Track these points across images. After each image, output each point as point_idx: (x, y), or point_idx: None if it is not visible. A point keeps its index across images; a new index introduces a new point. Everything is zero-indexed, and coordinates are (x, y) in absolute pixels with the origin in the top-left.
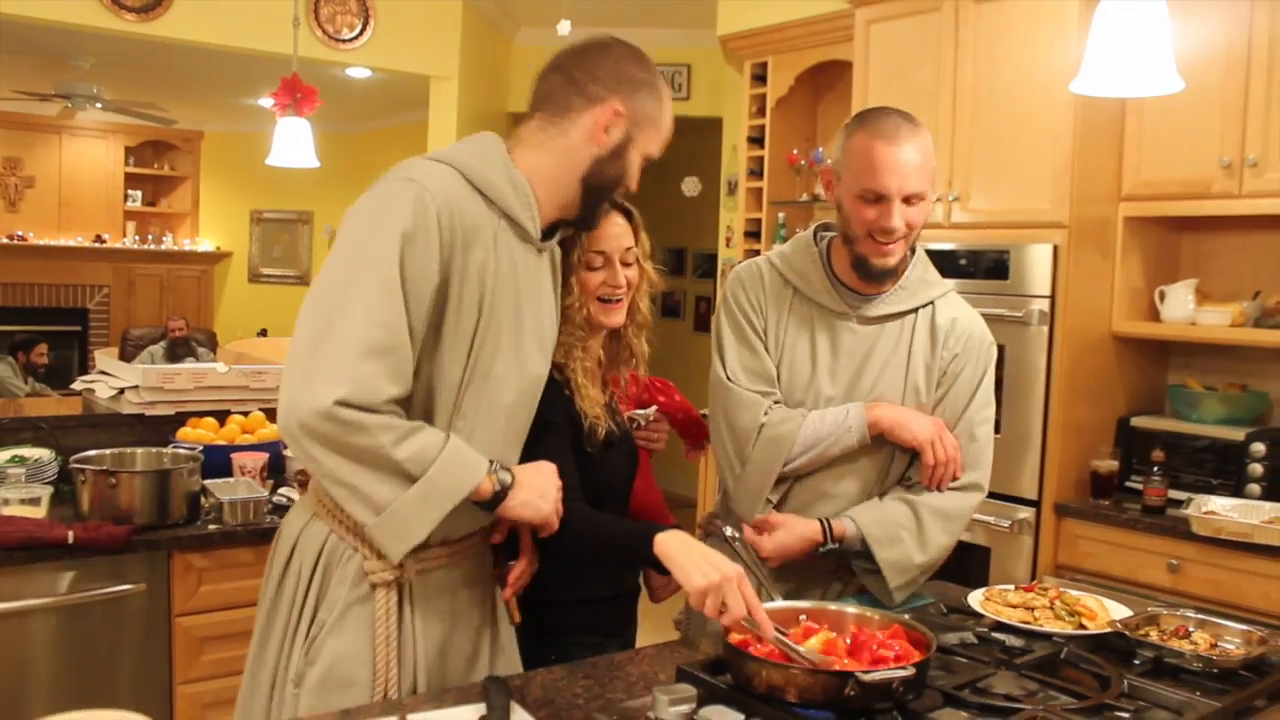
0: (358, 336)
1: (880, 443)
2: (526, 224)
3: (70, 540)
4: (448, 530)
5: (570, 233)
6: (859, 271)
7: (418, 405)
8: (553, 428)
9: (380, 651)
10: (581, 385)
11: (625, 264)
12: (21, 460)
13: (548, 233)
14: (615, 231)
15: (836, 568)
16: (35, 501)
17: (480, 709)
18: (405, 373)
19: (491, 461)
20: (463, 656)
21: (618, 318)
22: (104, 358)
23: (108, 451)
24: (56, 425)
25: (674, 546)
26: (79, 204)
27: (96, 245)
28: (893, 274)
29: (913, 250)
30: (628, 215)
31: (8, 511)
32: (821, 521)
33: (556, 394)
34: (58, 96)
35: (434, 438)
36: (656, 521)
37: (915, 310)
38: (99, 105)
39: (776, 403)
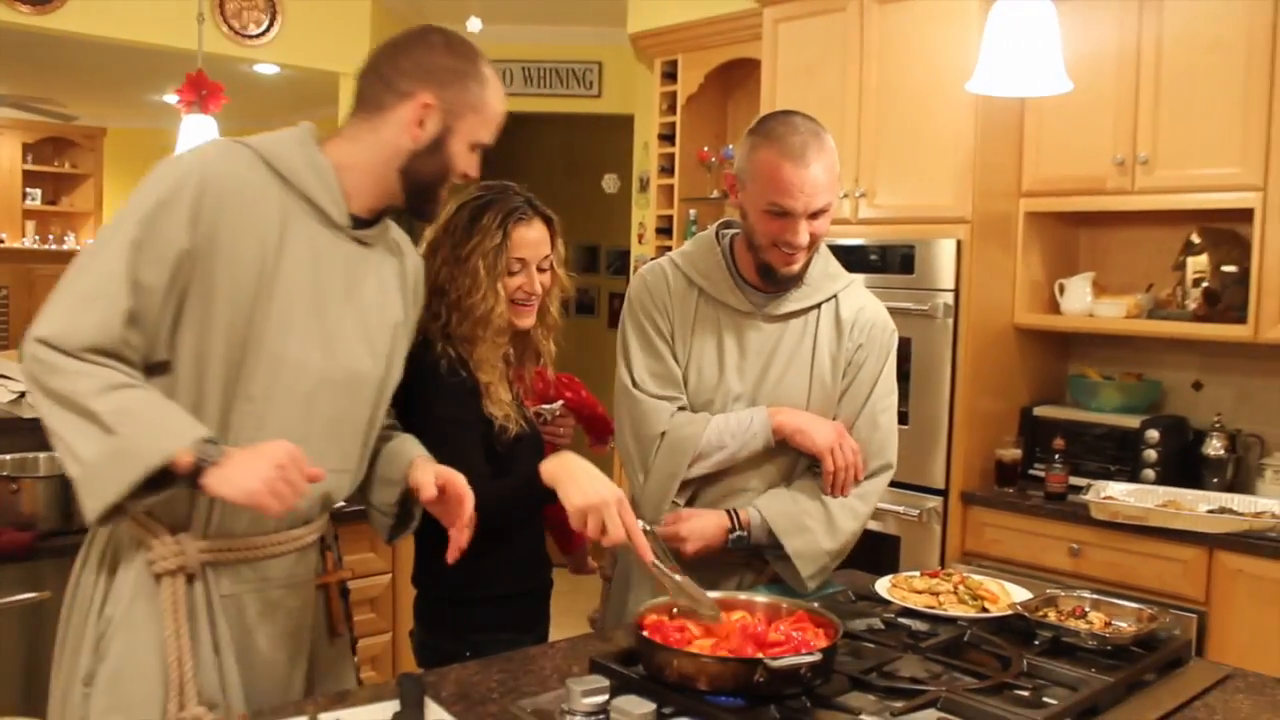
0: (77, 283)
1: (786, 444)
2: (328, 206)
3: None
4: (245, 523)
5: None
6: (764, 277)
7: (186, 378)
8: (461, 424)
9: (170, 648)
10: (491, 386)
11: (541, 269)
12: None
13: (366, 222)
14: (535, 238)
15: (749, 559)
16: None
17: (394, 706)
18: (112, 324)
19: (214, 440)
20: (277, 667)
21: (529, 320)
22: (3, 361)
23: (8, 456)
24: None
25: (558, 467)
26: None
27: None
28: (796, 279)
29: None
30: (548, 222)
31: None
32: (728, 511)
33: (465, 394)
34: None
35: (143, 397)
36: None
37: (819, 305)
38: None
39: (681, 408)
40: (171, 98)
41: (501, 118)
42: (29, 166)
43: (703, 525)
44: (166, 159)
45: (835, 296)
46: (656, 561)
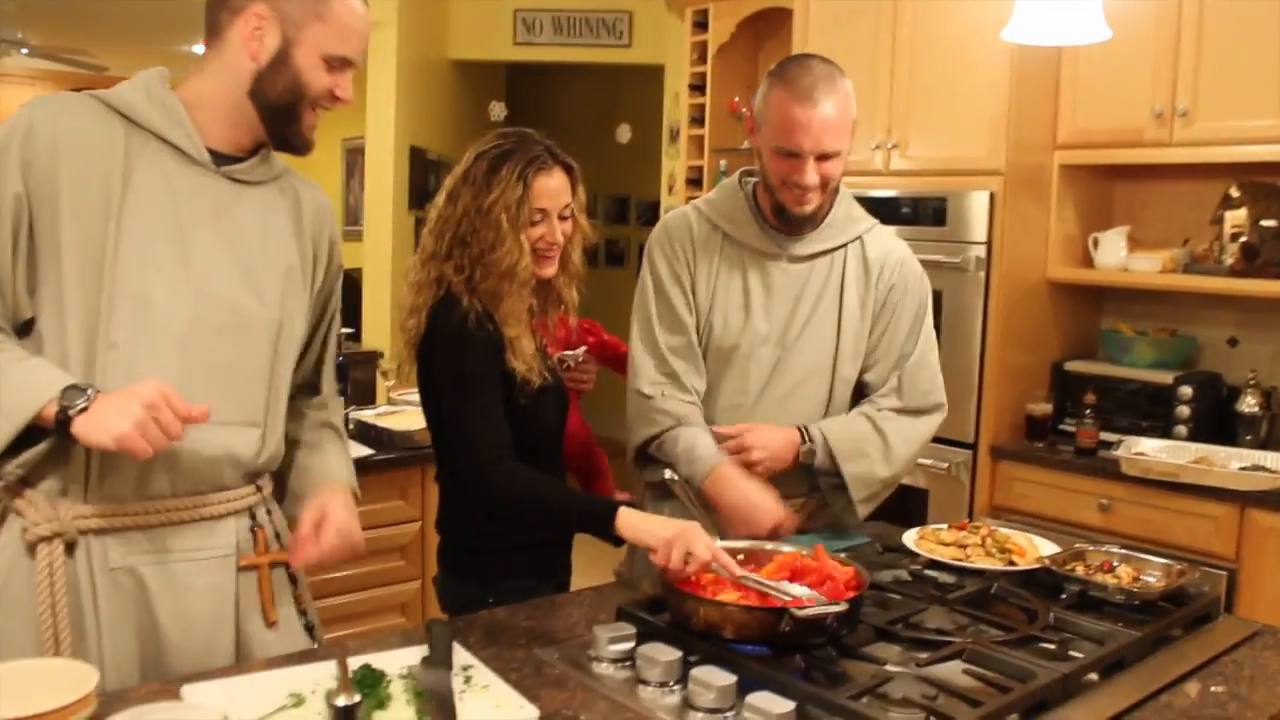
0: None
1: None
2: (181, 142)
3: None
4: (131, 484)
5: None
6: (778, 217)
7: (49, 331)
8: (485, 381)
9: (44, 623)
10: (516, 339)
11: (562, 218)
12: None
13: (238, 159)
14: (556, 187)
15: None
16: None
17: (423, 650)
18: None
19: (79, 387)
20: (188, 652)
21: (551, 269)
22: None
23: None
24: None
25: (635, 520)
26: None
27: None
28: (811, 220)
29: (835, 188)
30: (568, 170)
31: None
32: (799, 428)
33: (491, 349)
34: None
35: (6, 356)
36: (589, 459)
37: (844, 246)
38: (24, 51)
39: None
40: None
41: (360, 29)
42: None
43: (771, 437)
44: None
45: (860, 239)
46: (746, 573)
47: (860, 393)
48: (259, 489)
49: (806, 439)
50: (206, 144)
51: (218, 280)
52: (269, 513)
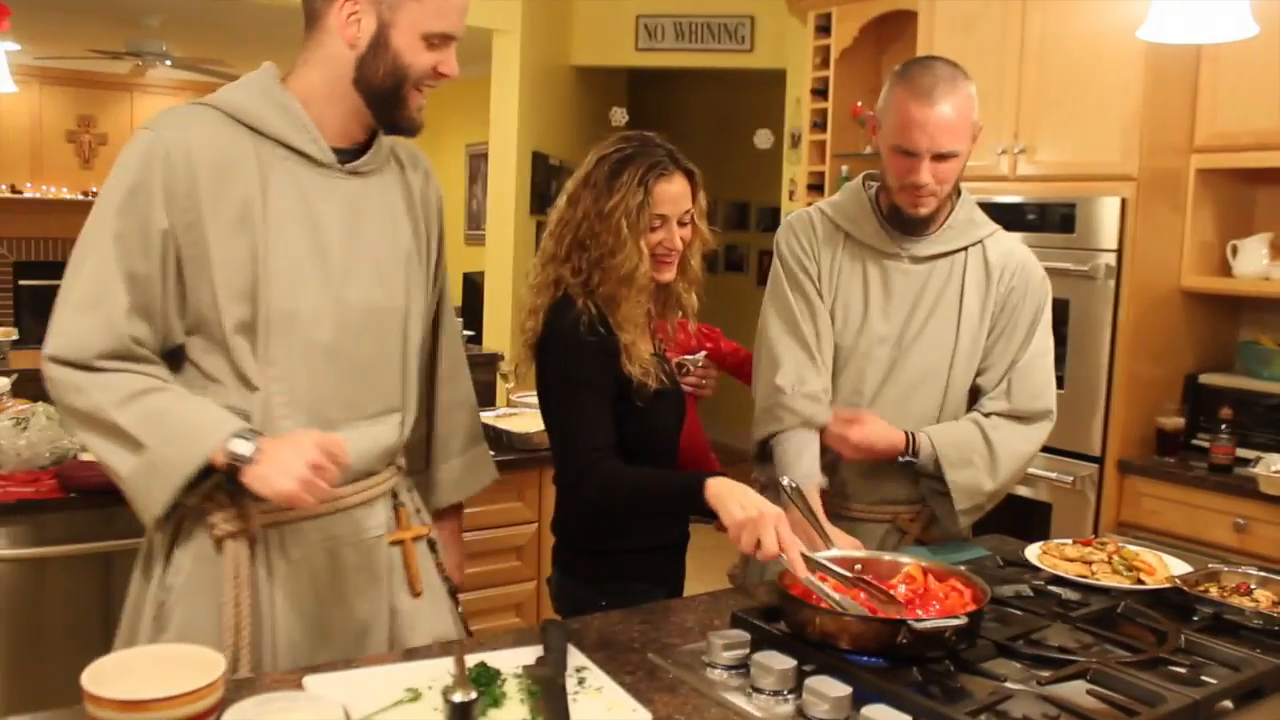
0: (72, 292)
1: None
2: (307, 147)
3: None
4: None
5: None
6: (895, 219)
7: (205, 353)
8: (593, 388)
9: (228, 614)
10: (632, 345)
11: (682, 224)
12: None
13: (353, 153)
14: (676, 193)
15: (890, 530)
16: None
17: (537, 651)
18: (117, 326)
19: (244, 436)
20: (352, 626)
21: (669, 275)
22: None
23: None
24: None
25: (721, 489)
26: None
27: None
28: (926, 223)
29: (958, 193)
30: (689, 175)
31: (86, 457)
32: (907, 433)
33: (602, 355)
34: (129, 55)
35: (165, 401)
36: (703, 464)
37: (965, 249)
38: (168, 63)
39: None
40: None
41: (460, 3)
42: None
43: (875, 438)
44: (134, 135)
45: (981, 242)
46: (811, 577)
47: (974, 395)
48: (399, 468)
49: (911, 448)
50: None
51: (352, 282)
52: (408, 489)
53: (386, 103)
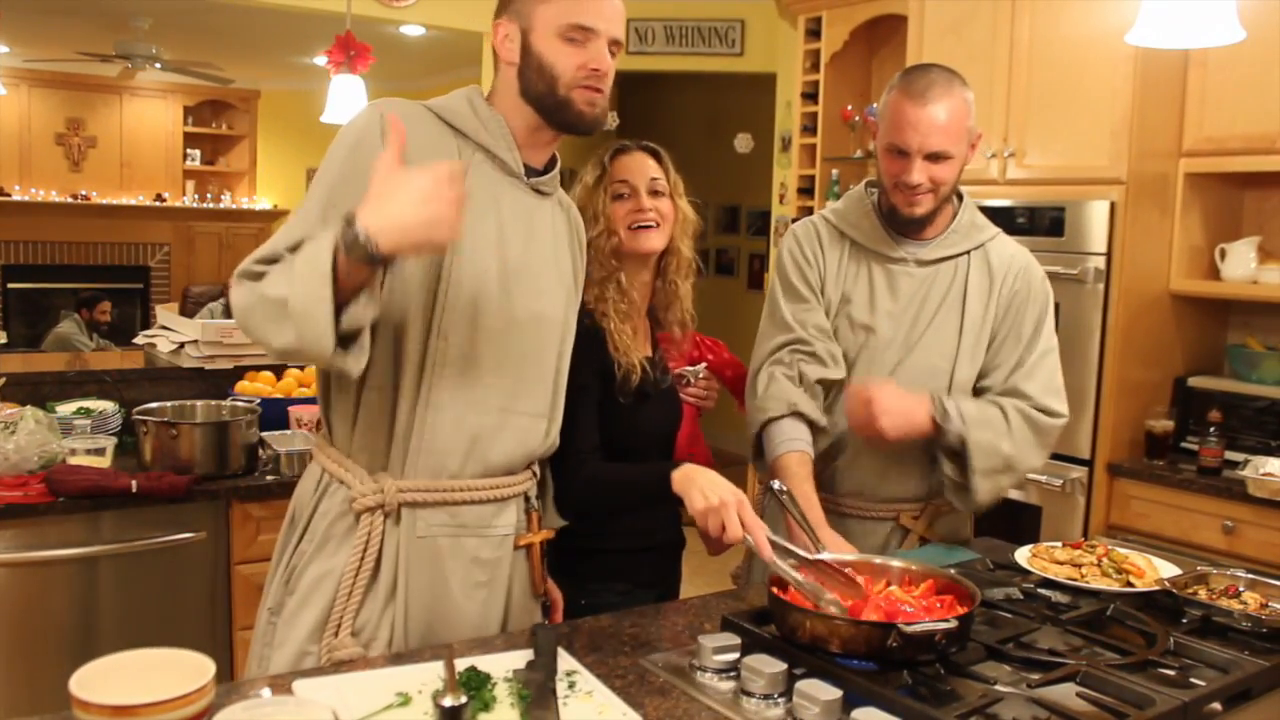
0: (292, 234)
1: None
2: (504, 154)
3: (133, 489)
4: (445, 465)
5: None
6: (891, 220)
7: (389, 315)
8: (578, 389)
9: (344, 585)
10: (615, 330)
11: (654, 193)
12: (87, 412)
13: (543, 172)
14: (635, 164)
15: (895, 528)
16: (100, 452)
17: (528, 655)
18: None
19: (349, 223)
20: (466, 616)
21: (652, 242)
22: (165, 313)
23: (169, 404)
24: (120, 379)
25: (683, 476)
26: (140, 164)
27: (157, 204)
28: (925, 224)
29: (960, 197)
30: (654, 154)
31: (74, 461)
32: (931, 396)
33: (586, 350)
34: (118, 57)
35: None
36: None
37: (968, 252)
38: (158, 65)
39: (809, 352)
40: (321, 59)
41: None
42: (189, 128)
43: (901, 400)
44: (355, 115)
45: (983, 245)
46: (776, 559)
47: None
48: (534, 474)
49: (940, 409)
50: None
51: (523, 284)
52: (540, 496)
53: (551, 108)
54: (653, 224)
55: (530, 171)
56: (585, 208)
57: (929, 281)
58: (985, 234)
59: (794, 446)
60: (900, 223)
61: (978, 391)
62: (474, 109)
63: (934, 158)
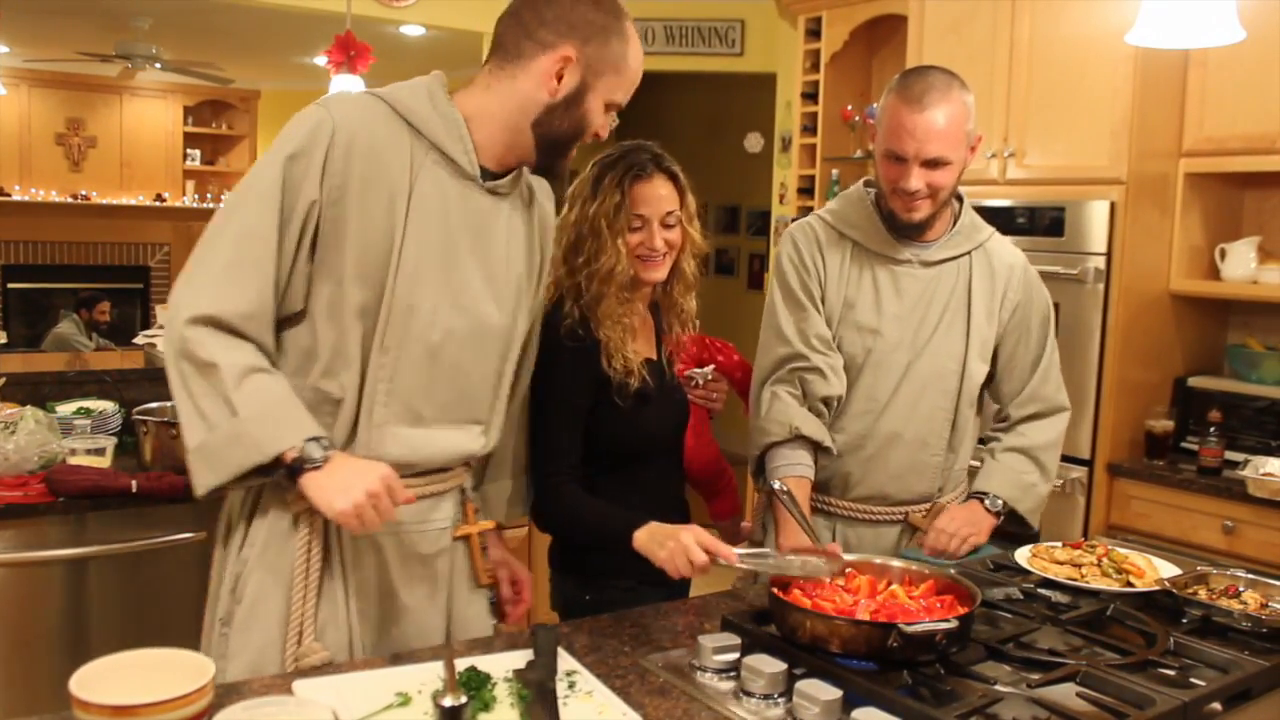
0: (217, 251)
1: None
2: (459, 157)
3: (133, 489)
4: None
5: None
6: (888, 223)
7: (324, 330)
8: (560, 403)
9: (296, 587)
10: (611, 341)
11: (666, 226)
12: (87, 412)
13: (498, 175)
14: (658, 195)
15: (904, 528)
16: (100, 452)
17: (528, 654)
18: (265, 292)
19: (321, 438)
20: (413, 613)
21: (657, 273)
22: (165, 313)
23: (169, 404)
24: (120, 379)
25: (644, 540)
26: (140, 163)
27: (157, 204)
28: (923, 228)
29: (960, 199)
30: (673, 178)
31: (74, 461)
32: (978, 498)
33: (581, 360)
34: (118, 57)
35: (272, 386)
36: (716, 477)
37: (969, 253)
38: (158, 65)
39: (810, 369)
40: (321, 59)
41: (639, 80)
42: (189, 128)
43: (962, 517)
44: (301, 111)
45: (983, 245)
46: (742, 563)
47: (994, 398)
48: (469, 465)
49: (999, 513)
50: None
51: (469, 291)
52: (477, 488)
53: (555, 149)
54: (659, 257)
55: (486, 174)
56: (599, 232)
57: (934, 283)
58: (983, 234)
59: (794, 472)
60: (900, 227)
61: (998, 395)
62: (434, 105)
63: (932, 164)
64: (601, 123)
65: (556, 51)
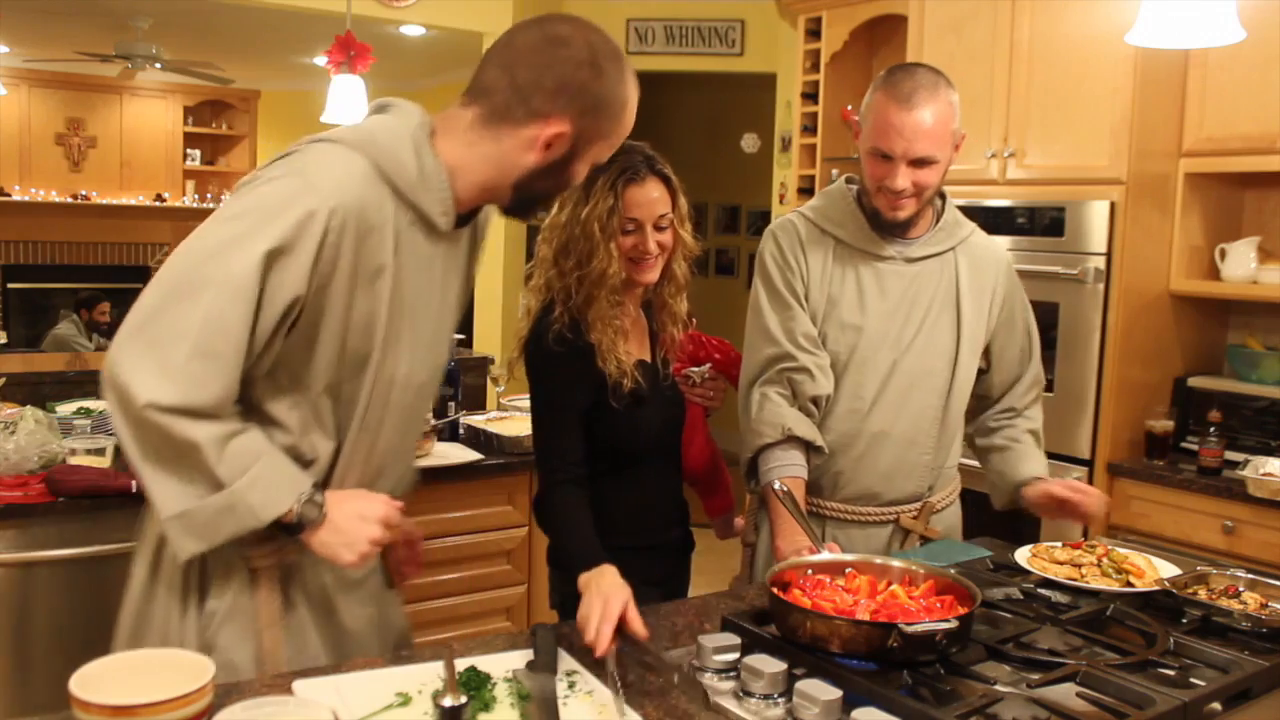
0: (196, 336)
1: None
2: (437, 219)
3: (133, 489)
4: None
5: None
6: (871, 220)
7: (294, 415)
8: (556, 407)
9: (266, 641)
10: (603, 344)
11: (659, 228)
12: (88, 412)
13: (463, 219)
14: (648, 198)
15: (895, 530)
16: (100, 452)
17: (528, 655)
18: (232, 384)
19: (315, 500)
20: (361, 629)
21: (649, 275)
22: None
23: None
24: None
25: (585, 583)
26: (140, 163)
27: (157, 204)
28: (907, 225)
29: (942, 196)
30: (665, 181)
31: (74, 461)
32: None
33: (566, 362)
34: (118, 57)
35: (254, 447)
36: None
37: (953, 248)
38: (158, 66)
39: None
40: (321, 59)
41: (629, 131)
42: (189, 128)
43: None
44: (285, 178)
45: (966, 241)
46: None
47: (986, 389)
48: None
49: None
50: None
51: (433, 346)
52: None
53: (532, 204)
54: (652, 261)
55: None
56: (590, 235)
57: (918, 279)
58: (965, 229)
59: (789, 472)
60: (884, 224)
61: (989, 389)
62: (419, 161)
63: (919, 163)
64: (582, 178)
65: (549, 124)
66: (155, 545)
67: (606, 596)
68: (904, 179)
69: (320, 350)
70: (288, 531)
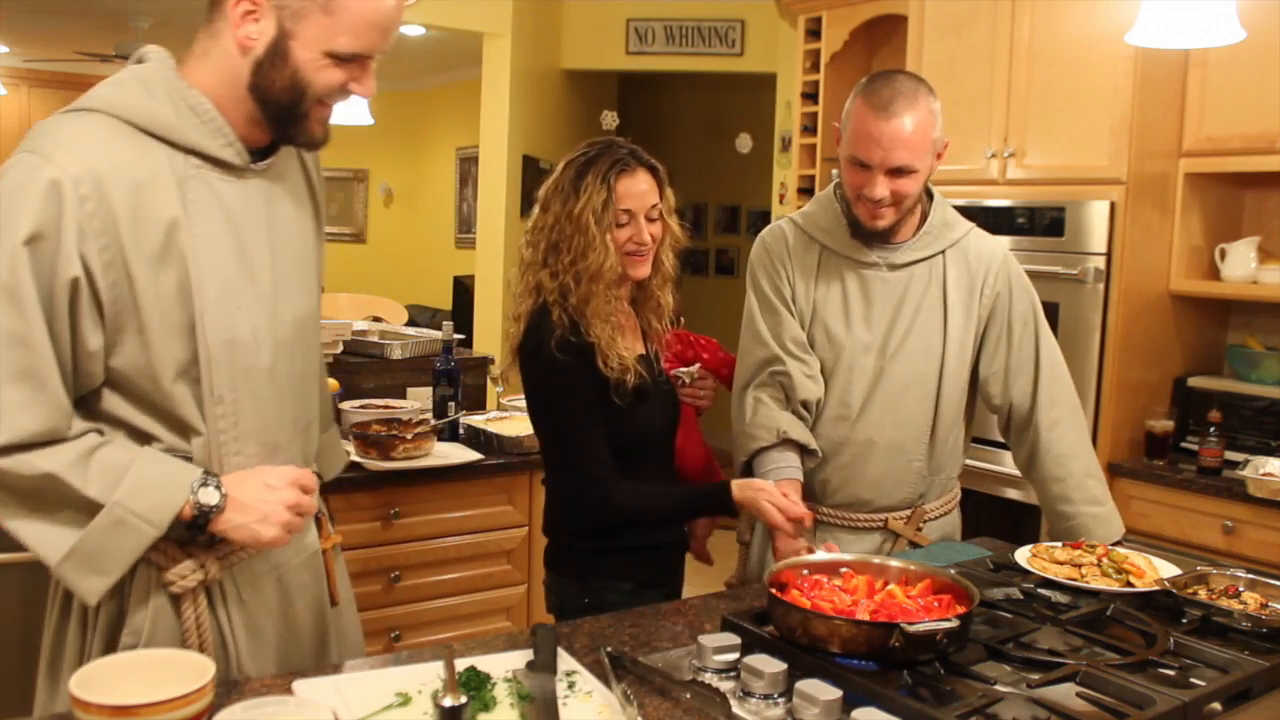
0: None
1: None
2: (222, 152)
3: None
4: None
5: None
6: (853, 229)
7: (143, 392)
8: (572, 411)
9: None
10: (600, 339)
11: (650, 219)
12: None
13: (262, 153)
14: (641, 189)
15: (885, 536)
16: None
17: (528, 655)
18: (59, 394)
19: (208, 483)
20: (306, 643)
21: (644, 270)
22: None
23: None
24: None
25: (740, 496)
26: None
27: None
28: (888, 233)
29: (930, 196)
30: (653, 171)
31: None
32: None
33: (574, 367)
34: (118, 57)
35: (121, 454)
36: (706, 476)
37: (942, 252)
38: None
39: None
40: None
41: (381, 20)
42: None
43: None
44: (17, 161)
45: (958, 243)
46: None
47: (998, 406)
48: (319, 474)
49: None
50: None
51: (281, 295)
52: (324, 498)
53: (283, 117)
54: (646, 252)
55: (253, 154)
56: (585, 229)
57: (904, 286)
58: (958, 231)
59: (785, 474)
60: (865, 234)
61: (1008, 405)
62: (172, 100)
63: (897, 172)
64: (341, 77)
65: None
66: (64, 589)
67: (759, 487)
68: (882, 188)
69: (150, 335)
70: (195, 530)
